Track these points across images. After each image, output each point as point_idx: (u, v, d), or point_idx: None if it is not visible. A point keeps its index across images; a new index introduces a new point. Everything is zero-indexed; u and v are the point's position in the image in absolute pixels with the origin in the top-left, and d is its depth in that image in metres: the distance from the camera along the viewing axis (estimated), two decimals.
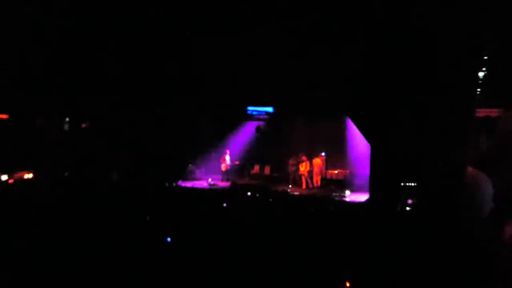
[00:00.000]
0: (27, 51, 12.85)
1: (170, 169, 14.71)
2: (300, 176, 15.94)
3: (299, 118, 16.85)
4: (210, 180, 16.44)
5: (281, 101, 14.67)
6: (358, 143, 14.39)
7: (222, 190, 13.12)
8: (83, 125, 16.35)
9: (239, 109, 16.55)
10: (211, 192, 12.67)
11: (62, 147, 14.77)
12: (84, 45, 13.00)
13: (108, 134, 14.99)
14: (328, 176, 16.36)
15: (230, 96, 14.26)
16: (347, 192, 14.03)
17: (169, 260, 4.61)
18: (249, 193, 10.22)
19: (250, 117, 17.45)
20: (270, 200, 9.27)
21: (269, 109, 16.56)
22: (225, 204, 7.71)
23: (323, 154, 16.34)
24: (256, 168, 17.99)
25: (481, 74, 7.69)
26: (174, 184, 13.88)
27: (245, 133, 18.06)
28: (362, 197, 12.89)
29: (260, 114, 17.08)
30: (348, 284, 3.76)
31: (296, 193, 14.03)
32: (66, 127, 16.42)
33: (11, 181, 11.58)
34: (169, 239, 5.27)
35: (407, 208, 8.35)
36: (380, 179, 10.16)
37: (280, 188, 13.80)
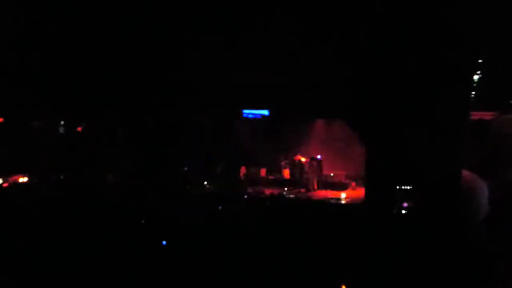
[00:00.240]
0: (22, 53, 12.76)
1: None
2: (296, 178, 15.94)
3: (296, 119, 16.82)
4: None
5: (279, 102, 14.63)
6: (354, 145, 14.40)
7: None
8: (79, 129, 16.28)
9: (234, 110, 16.48)
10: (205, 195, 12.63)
11: (57, 149, 14.70)
12: (81, 46, 12.93)
13: (105, 136, 14.94)
14: (324, 179, 16.38)
15: (225, 98, 14.20)
16: (343, 195, 14.05)
17: (164, 263, 4.61)
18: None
19: (246, 120, 17.40)
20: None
21: (265, 112, 16.55)
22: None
23: (318, 156, 16.34)
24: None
25: (475, 77, 7.74)
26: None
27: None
28: (359, 200, 12.91)
29: (255, 117, 17.06)
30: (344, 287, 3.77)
31: (291, 196, 14.03)
32: (61, 130, 16.33)
33: (5, 185, 11.50)
34: (164, 242, 5.27)
35: (403, 211, 8.37)
36: (376, 182, 10.17)
37: (276, 191, 13.80)
